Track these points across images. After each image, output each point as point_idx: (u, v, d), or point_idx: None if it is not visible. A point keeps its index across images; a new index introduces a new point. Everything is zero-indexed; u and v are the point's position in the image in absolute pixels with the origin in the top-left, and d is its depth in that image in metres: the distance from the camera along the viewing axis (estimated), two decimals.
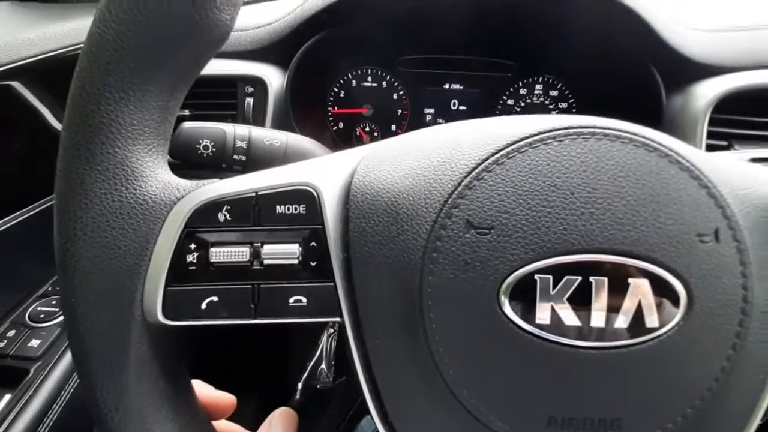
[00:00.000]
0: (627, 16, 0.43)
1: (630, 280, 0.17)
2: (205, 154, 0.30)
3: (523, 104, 0.63)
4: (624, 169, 0.18)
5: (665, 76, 0.47)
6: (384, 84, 0.64)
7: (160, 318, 0.19)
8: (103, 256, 0.18)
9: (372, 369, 0.20)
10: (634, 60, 0.48)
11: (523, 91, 0.63)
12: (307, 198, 0.20)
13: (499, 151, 0.19)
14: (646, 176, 0.18)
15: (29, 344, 0.40)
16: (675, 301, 0.17)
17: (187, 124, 0.30)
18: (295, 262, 0.20)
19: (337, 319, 0.20)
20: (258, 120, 0.51)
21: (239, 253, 0.19)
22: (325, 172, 0.21)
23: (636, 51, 0.47)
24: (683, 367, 0.18)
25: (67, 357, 0.40)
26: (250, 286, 0.19)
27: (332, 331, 0.87)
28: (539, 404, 0.18)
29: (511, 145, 0.19)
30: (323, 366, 0.85)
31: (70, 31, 0.45)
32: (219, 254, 0.19)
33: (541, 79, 0.62)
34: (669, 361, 0.18)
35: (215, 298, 0.19)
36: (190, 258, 0.19)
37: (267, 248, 0.20)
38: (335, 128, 0.65)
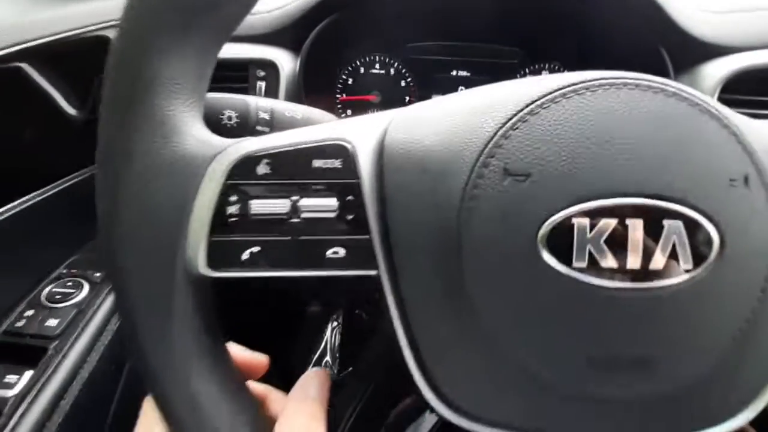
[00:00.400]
0: (641, 2, 0.43)
1: (664, 221, 0.18)
2: (228, 125, 0.30)
3: None
4: (656, 117, 0.18)
5: (674, 57, 0.48)
6: (392, 71, 0.64)
7: (203, 270, 0.19)
8: (146, 210, 0.19)
9: (409, 319, 0.20)
10: (644, 42, 0.49)
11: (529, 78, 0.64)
12: (343, 152, 0.20)
13: (534, 101, 0.19)
14: (677, 124, 0.18)
15: (47, 323, 0.40)
16: (708, 243, 0.18)
17: (210, 95, 0.30)
18: (332, 215, 0.20)
19: (374, 272, 0.21)
20: None
21: (279, 206, 0.20)
22: (359, 128, 0.22)
23: (645, 33, 0.48)
24: (717, 307, 0.18)
25: (85, 336, 0.40)
26: (289, 238, 0.20)
27: (336, 324, 0.87)
28: (579, 345, 0.18)
29: (545, 95, 0.19)
30: (328, 359, 0.85)
31: (81, 13, 0.45)
32: (259, 206, 0.20)
33: (547, 65, 0.63)
34: (703, 301, 0.18)
35: (256, 249, 0.20)
36: (231, 210, 0.19)
37: (305, 201, 0.20)
38: (343, 115, 0.66)
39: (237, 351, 0.25)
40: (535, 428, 0.20)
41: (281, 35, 0.50)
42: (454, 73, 0.65)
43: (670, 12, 0.44)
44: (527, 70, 0.63)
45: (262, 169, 0.20)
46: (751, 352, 0.20)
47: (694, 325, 0.18)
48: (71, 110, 0.50)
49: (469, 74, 0.65)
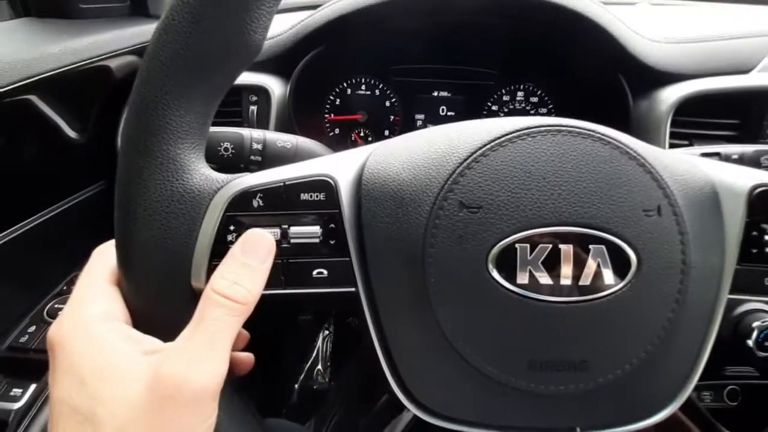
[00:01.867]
0: (595, 31, 0.48)
1: (590, 246, 0.21)
2: (225, 156, 0.33)
3: (506, 110, 0.68)
4: (584, 159, 0.22)
5: (631, 83, 0.52)
6: (377, 92, 0.68)
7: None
8: (159, 235, 0.22)
9: (383, 330, 0.24)
10: (604, 69, 0.54)
11: (506, 98, 0.68)
12: (327, 187, 0.24)
13: (486, 145, 0.23)
14: (601, 164, 0.22)
15: None
16: (627, 263, 0.22)
17: (209, 129, 0.33)
18: (317, 240, 0.24)
19: (352, 289, 0.24)
20: (262, 126, 0.54)
21: (271, 234, 0.23)
22: (341, 165, 0.25)
23: (605, 61, 0.52)
24: (637, 316, 0.22)
25: None
26: (280, 261, 0.23)
27: (328, 332, 0.90)
28: (522, 350, 0.22)
29: (495, 140, 0.23)
30: (319, 367, 0.88)
31: (87, 46, 0.48)
32: None
33: (521, 86, 0.67)
34: (624, 312, 0.22)
35: None
36: (230, 237, 0.23)
37: (293, 229, 0.23)
38: (332, 134, 0.69)
39: None
40: (488, 424, 0.24)
41: (272, 63, 0.54)
42: (436, 93, 0.69)
43: (623, 43, 0.48)
44: (503, 90, 0.68)
45: (256, 202, 0.23)
46: (671, 354, 0.24)
47: (618, 332, 0.22)
48: (73, 134, 0.53)
49: (450, 94, 0.69)
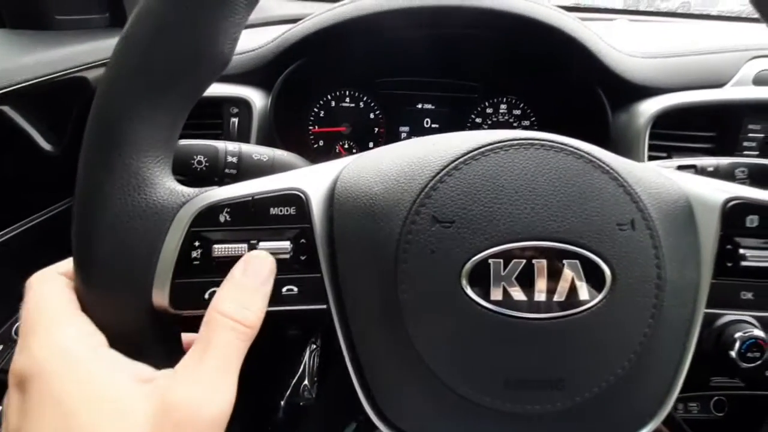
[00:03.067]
0: (573, 46, 0.49)
1: (564, 261, 0.21)
2: (199, 169, 0.33)
3: (490, 122, 0.69)
4: (557, 173, 0.22)
5: (610, 97, 0.53)
6: (361, 104, 0.68)
7: (168, 307, 0.22)
8: (119, 252, 0.21)
9: (355, 348, 0.23)
10: (583, 83, 0.54)
11: (489, 110, 0.68)
12: (297, 201, 0.23)
13: (458, 158, 0.22)
14: (574, 178, 0.22)
15: None
16: (602, 278, 0.21)
17: (182, 142, 0.33)
18: (287, 256, 0.23)
19: (324, 306, 0.23)
20: (243, 138, 0.53)
21: (238, 249, 0.22)
22: (312, 178, 0.25)
23: (584, 75, 0.53)
24: (613, 332, 0.22)
25: None
26: None
27: (315, 347, 0.88)
28: (496, 368, 0.21)
29: (467, 153, 0.22)
30: (306, 383, 0.86)
31: (63, 57, 0.47)
32: (220, 250, 0.22)
33: (504, 99, 0.68)
34: (600, 327, 0.22)
35: (216, 289, 0.22)
36: (194, 254, 0.22)
37: (262, 245, 0.23)
38: (316, 146, 0.69)
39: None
40: None
41: (254, 75, 0.54)
42: (420, 105, 0.69)
43: (601, 58, 0.49)
44: (487, 103, 0.68)
45: (223, 217, 0.22)
46: (648, 370, 0.23)
47: (594, 348, 0.22)
48: (48, 146, 0.51)
49: (434, 107, 0.69)
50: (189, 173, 0.32)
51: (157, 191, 0.22)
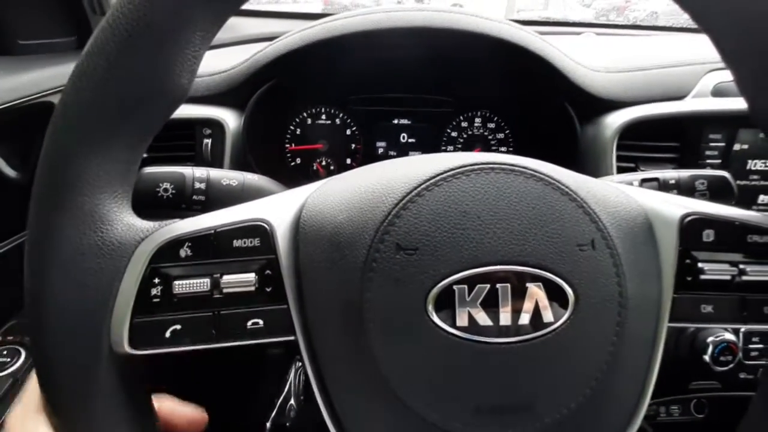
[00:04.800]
0: (540, 63, 0.50)
1: (527, 284, 0.21)
2: (165, 197, 0.32)
3: (465, 136, 0.70)
4: (518, 196, 0.22)
5: (577, 111, 0.54)
6: (337, 121, 0.68)
7: (127, 348, 0.21)
8: (73, 295, 0.20)
9: (324, 379, 0.23)
10: (551, 98, 0.56)
11: (464, 124, 0.70)
12: (261, 232, 0.23)
13: (421, 185, 0.23)
14: (534, 201, 0.22)
15: None
16: (564, 299, 0.22)
17: (147, 169, 0.32)
18: (252, 289, 0.22)
19: (291, 338, 0.23)
20: (216, 160, 0.53)
21: (200, 284, 0.22)
22: (277, 208, 0.24)
23: (551, 90, 0.55)
24: (578, 352, 0.22)
25: None
26: (211, 313, 0.22)
27: (300, 365, 0.86)
28: (465, 395, 0.21)
29: (429, 179, 0.23)
30: (292, 402, 0.84)
31: (26, 83, 0.46)
32: (181, 286, 0.22)
33: (479, 113, 0.69)
34: (565, 348, 0.22)
35: (178, 327, 0.21)
36: (154, 291, 0.21)
37: (225, 278, 0.22)
38: (293, 164, 0.69)
39: (175, 407, 0.26)
40: None
41: (226, 96, 0.53)
42: (396, 121, 0.70)
43: (566, 73, 0.51)
44: (462, 117, 0.69)
45: (184, 252, 0.22)
46: (616, 387, 0.23)
47: (561, 369, 0.22)
48: (12, 173, 0.50)
49: (409, 122, 0.70)
50: (155, 202, 0.31)
51: (114, 228, 0.22)
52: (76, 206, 0.21)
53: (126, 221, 0.22)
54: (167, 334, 0.21)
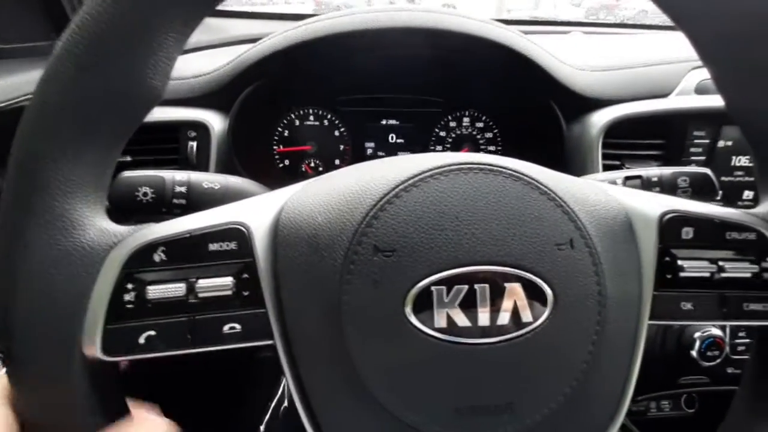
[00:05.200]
0: (524, 62, 0.50)
1: (506, 284, 0.21)
2: (144, 201, 0.31)
3: (454, 135, 0.70)
4: (496, 196, 0.22)
5: (563, 109, 0.55)
6: (326, 122, 0.68)
7: (100, 355, 0.21)
8: (44, 301, 0.20)
9: (302, 382, 0.22)
10: (537, 97, 0.56)
11: (452, 124, 0.70)
12: (238, 235, 0.23)
13: (398, 186, 0.22)
14: (513, 201, 0.22)
15: None
16: (543, 299, 0.22)
17: (125, 173, 0.32)
18: (229, 293, 0.22)
19: (269, 342, 0.23)
20: (202, 163, 0.52)
21: (175, 289, 0.21)
22: (255, 211, 0.24)
23: (537, 89, 0.55)
24: (558, 352, 0.22)
25: None
26: (186, 318, 0.22)
27: None
28: (445, 396, 0.21)
29: (407, 180, 0.22)
30: (286, 404, 0.84)
31: (3, 87, 0.45)
32: (156, 291, 0.21)
33: (467, 113, 0.69)
34: (545, 348, 0.22)
35: (153, 332, 0.21)
36: (127, 297, 0.21)
37: (201, 282, 0.22)
38: (281, 165, 0.68)
39: (150, 421, 0.25)
40: None
41: (211, 98, 0.53)
42: (384, 121, 0.70)
43: (551, 72, 0.51)
44: (450, 117, 0.69)
45: (158, 256, 0.22)
46: (597, 387, 0.23)
47: (541, 369, 0.22)
48: None
49: (398, 122, 0.70)
50: (134, 207, 0.31)
51: (86, 233, 0.21)
52: (47, 211, 0.20)
53: (99, 226, 0.22)
54: (141, 340, 0.21)
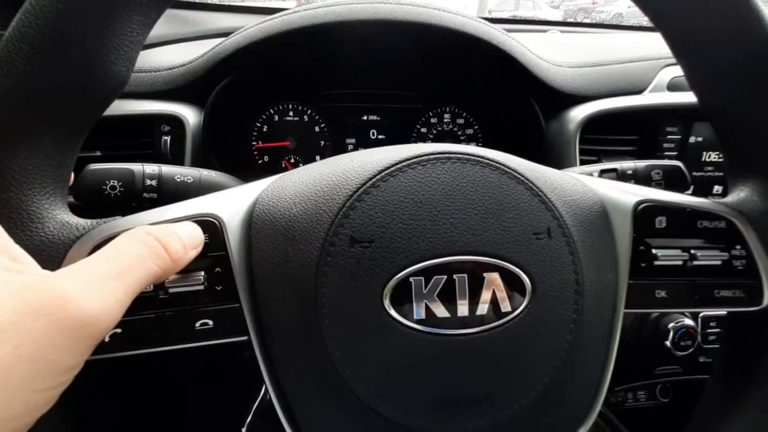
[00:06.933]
0: (503, 57, 0.50)
1: (484, 274, 0.21)
2: (112, 195, 0.30)
3: (435, 131, 0.70)
4: (474, 186, 0.22)
5: (541, 105, 0.55)
6: (306, 117, 0.67)
7: None
8: None
9: (279, 378, 0.22)
10: (517, 93, 0.56)
11: (433, 120, 0.70)
12: (211, 228, 0.22)
13: (375, 176, 0.22)
14: (491, 190, 0.22)
15: None
16: (522, 288, 0.22)
17: (91, 166, 0.30)
18: (201, 288, 0.21)
19: (244, 338, 0.22)
20: (176, 158, 0.51)
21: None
22: (228, 203, 0.23)
23: (516, 85, 0.55)
24: (536, 341, 0.22)
25: None
26: (154, 315, 0.21)
27: None
28: (425, 389, 0.21)
29: (384, 170, 0.22)
30: (266, 403, 0.82)
31: None
32: None
33: (448, 109, 0.69)
34: (524, 337, 0.22)
35: (119, 330, 0.20)
36: None
37: (171, 277, 0.21)
38: (261, 161, 0.67)
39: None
40: None
41: (185, 91, 0.51)
42: (365, 117, 0.69)
43: (529, 68, 0.51)
44: (431, 113, 0.69)
45: None
46: (575, 376, 0.23)
47: (519, 359, 0.22)
48: None
49: (379, 118, 0.69)
50: (101, 201, 0.30)
51: (45, 226, 0.20)
52: (1, 203, 0.19)
53: (59, 219, 0.20)
54: (106, 339, 0.20)
